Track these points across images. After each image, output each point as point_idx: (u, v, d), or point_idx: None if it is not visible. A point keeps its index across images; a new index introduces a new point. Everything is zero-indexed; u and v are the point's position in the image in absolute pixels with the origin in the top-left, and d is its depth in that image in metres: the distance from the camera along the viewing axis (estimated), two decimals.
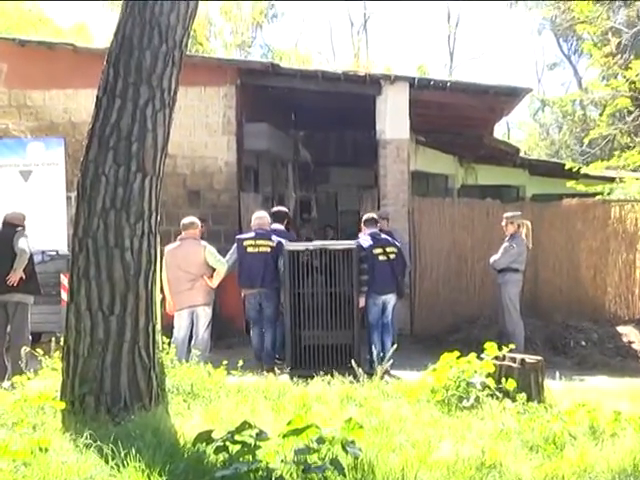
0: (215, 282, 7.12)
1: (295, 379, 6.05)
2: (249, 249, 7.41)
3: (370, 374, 6.03)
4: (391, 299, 7.53)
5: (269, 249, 7.38)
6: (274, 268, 7.36)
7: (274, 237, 7.51)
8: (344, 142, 14.04)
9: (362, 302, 7.18)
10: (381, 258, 7.47)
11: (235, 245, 7.64)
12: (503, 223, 8.34)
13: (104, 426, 4.39)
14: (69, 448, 4.03)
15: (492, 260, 8.35)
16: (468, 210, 9.91)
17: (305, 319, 7.08)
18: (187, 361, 5.97)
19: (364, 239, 7.50)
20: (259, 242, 7.44)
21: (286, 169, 13.15)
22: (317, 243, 7.53)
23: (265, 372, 6.59)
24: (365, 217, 7.81)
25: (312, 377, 6.03)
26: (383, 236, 7.62)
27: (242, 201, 9.84)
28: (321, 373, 6.10)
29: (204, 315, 7.13)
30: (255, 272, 7.36)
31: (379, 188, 9.73)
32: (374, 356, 6.73)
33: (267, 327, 7.49)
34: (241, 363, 5.93)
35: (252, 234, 7.52)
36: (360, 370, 5.96)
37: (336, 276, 7.11)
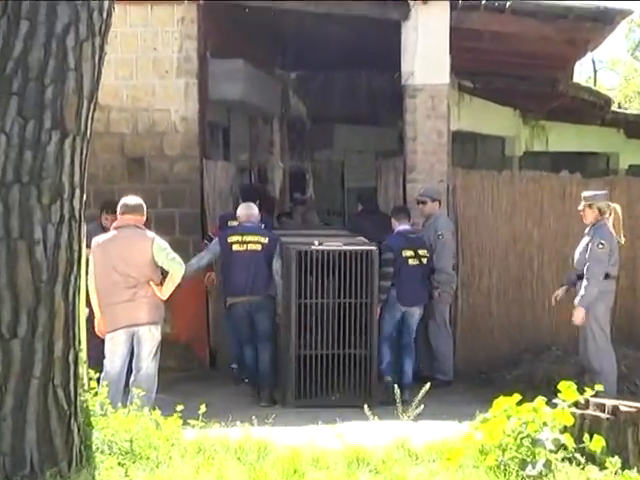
0: (166, 291, 7.11)
1: (282, 430, 6.06)
2: (235, 247, 8.25)
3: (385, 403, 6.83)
4: (415, 313, 8.61)
5: (260, 247, 8.25)
6: (267, 271, 8.25)
7: (265, 231, 8.35)
8: (355, 89, 14.04)
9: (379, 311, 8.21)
10: (411, 262, 8.46)
11: (214, 241, 8.42)
12: (580, 207, 8.35)
13: None
14: None
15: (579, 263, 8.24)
16: (535, 188, 9.96)
17: (313, 337, 8.03)
18: (125, 406, 5.95)
19: (393, 238, 8.51)
20: (248, 238, 8.23)
21: (270, 127, 13.15)
22: (329, 242, 8.17)
23: (262, 403, 7.95)
24: (395, 207, 8.71)
25: (319, 407, 7.09)
26: (417, 235, 8.72)
27: (206, 173, 9.85)
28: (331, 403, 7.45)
29: (150, 339, 7.12)
30: (244, 276, 8.17)
31: (405, 156, 9.78)
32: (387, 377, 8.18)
33: (262, 345, 8.32)
34: (204, 409, 5.92)
35: (237, 227, 8.45)
36: (375, 418, 6.01)
37: (352, 284, 7.96)
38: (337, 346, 8.06)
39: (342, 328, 8.06)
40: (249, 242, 8.25)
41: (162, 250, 7.07)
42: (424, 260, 8.58)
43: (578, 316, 8.02)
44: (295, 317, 7.98)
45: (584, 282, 8.05)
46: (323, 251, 8.03)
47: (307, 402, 7.87)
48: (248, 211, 8.48)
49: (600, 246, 8.05)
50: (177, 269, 7.05)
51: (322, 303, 8.08)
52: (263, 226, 8.53)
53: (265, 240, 8.28)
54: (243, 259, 8.22)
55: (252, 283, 8.19)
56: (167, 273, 7.10)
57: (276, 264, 8.24)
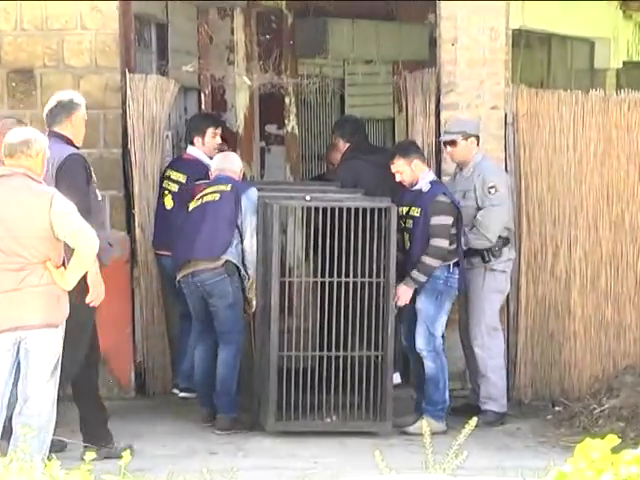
0: (71, 279, 7.04)
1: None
2: (192, 205, 8.96)
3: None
4: None
5: (218, 196, 8.81)
6: (228, 228, 8.71)
7: (232, 179, 8.86)
8: None
9: (403, 299, 8.65)
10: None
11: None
12: None
13: None
14: None
15: None
16: None
17: (301, 332, 8.43)
18: (4, 453, 5.95)
19: (442, 188, 8.95)
20: (207, 190, 8.82)
21: (230, 24, 13.04)
22: (324, 197, 8.57)
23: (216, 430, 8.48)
24: (406, 143, 9.32)
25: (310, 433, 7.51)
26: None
27: (131, 94, 9.81)
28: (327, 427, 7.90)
29: (45, 350, 7.09)
30: (191, 235, 8.77)
31: (440, 68, 9.85)
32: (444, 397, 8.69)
33: (223, 341, 8.76)
34: (128, 457, 5.94)
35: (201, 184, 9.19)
36: (392, 472, 6.04)
37: (359, 256, 8.34)
38: (336, 345, 8.44)
39: (344, 319, 8.31)
40: (206, 194, 8.75)
41: (65, 215, 6.96)
42: None
43: None
44: (276, 303, 8.24)
45: None
46: (318, 208, 8.30)
47: (292, 426, 8.30)
48: (226, 165, 9.02)
49: None
50: (87, 245, 6.96)
51: (315, 283, 8.52)
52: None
53: (227, 187, 8.70)
54: (195, 215, 8.83)
55: (204, 242, 8.66)
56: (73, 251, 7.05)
57: (247, 221, 8.71)
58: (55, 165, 7.62)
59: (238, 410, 8.65)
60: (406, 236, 8.71)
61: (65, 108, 7.99)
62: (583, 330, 9.80)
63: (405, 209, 8.74)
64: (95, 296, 7.55)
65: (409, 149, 9.04)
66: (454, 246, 8.67)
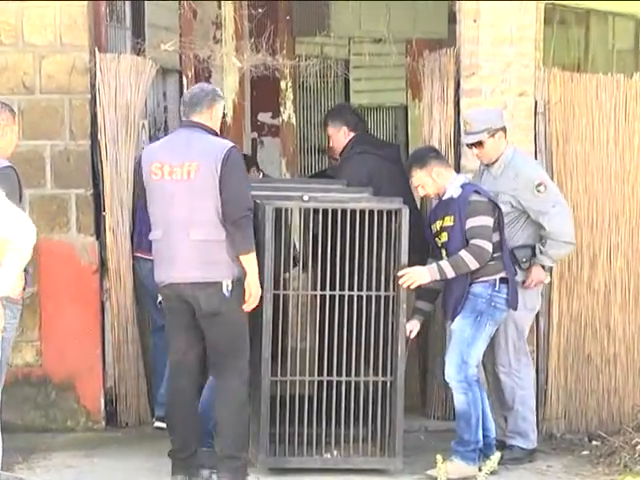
0: (6, 279, 6.67)
1: None
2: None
3: None
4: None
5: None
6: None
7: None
8: None
9: (412, 279, 8.39)
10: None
11: None
12: None
13: None
14: None
15: None
16: None
17: (294, 353, 8.47)
18: None
19: (475, 188, 8.65)
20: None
21: None
22: (325, 197, 8.47)
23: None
24: (426, 149, 9.13)
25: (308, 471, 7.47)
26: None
27: (102, 76, 9.79)
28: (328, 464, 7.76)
29: None
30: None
31: (459, 48, 9.84)
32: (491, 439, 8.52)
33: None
34: None
35: None
36: None
37: (365, 266, 8.28)
38: (338, 369, 8.39)
39: (347, 339, 8.32)
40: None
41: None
42: None
43: None
44: (269, 320, 8.15)
45: None
46: (318, 209, 8.24)
47: (287, 462, 8.18)
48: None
49: None
50: (23, 234, 6.65)
51: (314, 297, 8.41)
52: None
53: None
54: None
55: None
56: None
57: None
58: (219, 158, 7.89)
59: None
60: (443, 253, 8.53)
61: (207, 97, 8.21)
62: (625, 352, 9.78)
63: (439, 223, 8.59)
64: (253, 301, 7.87)
65: (425, 157, 8.74)
66: (498, 254, 8.39)
